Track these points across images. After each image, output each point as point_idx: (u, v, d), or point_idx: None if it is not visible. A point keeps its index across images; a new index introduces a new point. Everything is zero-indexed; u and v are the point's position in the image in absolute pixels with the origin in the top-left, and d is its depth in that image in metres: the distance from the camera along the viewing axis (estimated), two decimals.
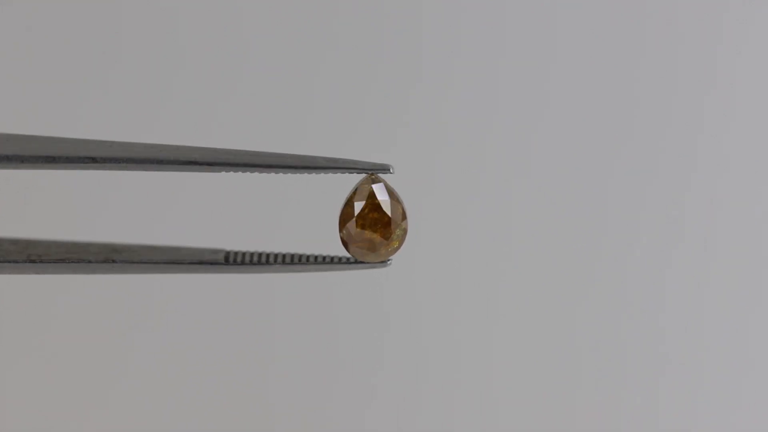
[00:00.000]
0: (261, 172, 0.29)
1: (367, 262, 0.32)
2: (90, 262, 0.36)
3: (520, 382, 0.58)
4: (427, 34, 0.58)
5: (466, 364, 0.58)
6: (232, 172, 0.29)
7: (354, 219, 0.30)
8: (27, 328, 0.57)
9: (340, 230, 0.31)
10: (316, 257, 0.34)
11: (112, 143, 0.31)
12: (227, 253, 0.36)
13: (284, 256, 0.35)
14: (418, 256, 0.57)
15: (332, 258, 0.34)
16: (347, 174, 0.30)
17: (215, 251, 0.36)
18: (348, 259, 0.33)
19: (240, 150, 0.30)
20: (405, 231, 0.31)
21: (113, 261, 0.36)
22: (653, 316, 0.58)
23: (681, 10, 0.58)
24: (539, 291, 0.58)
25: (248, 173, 0.30)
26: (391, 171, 0.30)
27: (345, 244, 0.31)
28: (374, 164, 0.30)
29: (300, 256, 0.34)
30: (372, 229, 0.30)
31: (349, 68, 0.58)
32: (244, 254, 0.35)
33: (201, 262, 0.36)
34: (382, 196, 0.30)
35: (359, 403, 0.58)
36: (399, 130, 0.58)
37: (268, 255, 0.35)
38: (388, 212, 0.30)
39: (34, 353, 0.57)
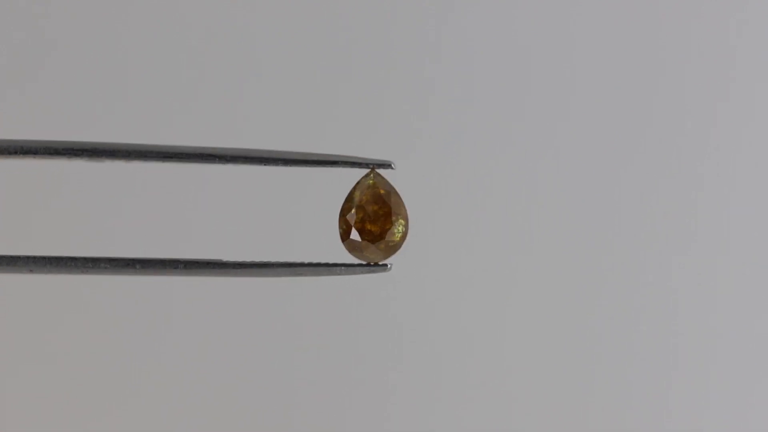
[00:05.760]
0: (263, 165, 0.29)
1: (367, 264, 0.31)
2: (86, 261, 0.36)
3: (532, 382, 0.58)
4: (434, 32, 0.58)
5: (477, 363, 0.58)
6: (232, 164, 0.29)
7: (353, 210, 0.30)
8: (28, 332, 0.57)
9: (340, 225, 0.31)
10: (317, 263, 0.34)
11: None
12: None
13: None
14: (424, 255, 0.57)
15: (333, 263, 0.34)
16: (348, 169, 0.30)
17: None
18: (349, 264, 0.32)
19: (242, 147, 0.30)
20: (405, 227, 0.31)
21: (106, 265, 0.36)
22: (664, 316, 0.58)
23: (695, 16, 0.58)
24: (550, 289, 0.58)
25: (249, 167, 0.29)
26: (393, 167, 0.30)
27: (344, 237, 0.31)
28: (375, 160, 0.30)
29: (300, 263, 0.34)
30: (371, 221, 0.30)
31: (353, 66, 0.58)
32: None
33: (198, 264, 0.36)
34: (382, 188, 0.30)
35: (372, 406, 0.58)
36: (402, 129, 0.58)
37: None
38: (388, 203, 0.30)
39: (35, 357, 0.57)
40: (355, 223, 0.30)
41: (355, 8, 0.57)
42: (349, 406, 0.58)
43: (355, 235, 0.30)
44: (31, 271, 0.36)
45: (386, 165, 0.30)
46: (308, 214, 0.55)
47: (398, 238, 0.30)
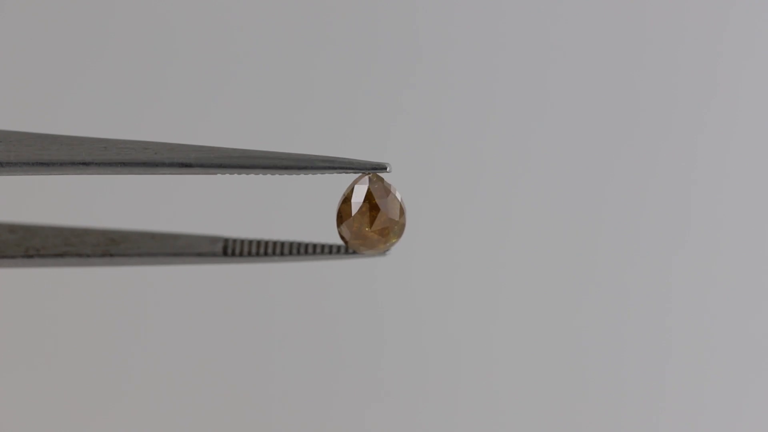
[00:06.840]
0: (257, 173, 0.29)
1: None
2: (88, 256, 0.36)
3: (521, 381, 0.58)
4: (424, 32, 0.58)
5: (466, 362, 0.58)
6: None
7: (352, 217, 0.30)
8: (24, 328, 0.57)
9: (338, 227, 0.31)
10: (314, 246, 0.34)
11: (106, 143, 0.30)
12: (225, 242, 0.36)
13: (282, 245, 0.35)
14: (417, 254, 0.57)
15: (330, 247, 0.34)
16: (344, 174, 0.30)
17: (214, 240, 0.36)
18: (346, 248, 0.33)
19: (236, 150, 0.29)
20: (403, 226, 0.31)
21: (111, 254, 0.36)
22: (657, 317, 0.58)
23: (683, 12, 0.57)
24: (540, 288, 0.58)
25: (244, 174, 0.29)
26: (388, 170, 0.30)
27: (344, 241, 0.31)
28: (371, 163, 0.30)
29: (298, 246, 0.34)
30: (369, 226, 0.30)
31: (345, 66, 0.57)
32: (242, 242, 0.35)
33: (200, 254, 0.36)
34: (379, 194, 0.30)
35: (359, 401, 0.58)
36: (396, 128, 0.57)
37: (266, 244, 0.35)
38: (386, 210, 0.30)
39: (31, 353, 0.57)
40: (353, 231, 0.30)
41: (350, 7, 0.57)
42: (341, 403, 0.58)
43: (353, 241, 0.30)
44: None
45: (382, 168, 0.30)
46: (306, 206, 0.55)
47: (395, 240, 0.30)
